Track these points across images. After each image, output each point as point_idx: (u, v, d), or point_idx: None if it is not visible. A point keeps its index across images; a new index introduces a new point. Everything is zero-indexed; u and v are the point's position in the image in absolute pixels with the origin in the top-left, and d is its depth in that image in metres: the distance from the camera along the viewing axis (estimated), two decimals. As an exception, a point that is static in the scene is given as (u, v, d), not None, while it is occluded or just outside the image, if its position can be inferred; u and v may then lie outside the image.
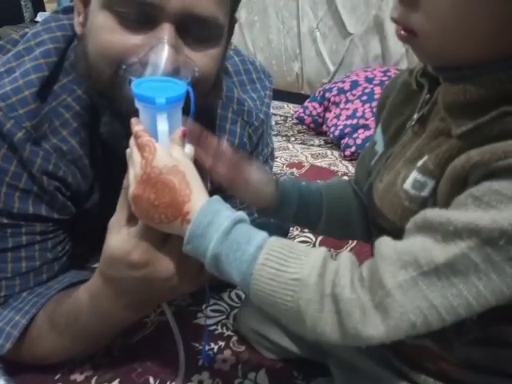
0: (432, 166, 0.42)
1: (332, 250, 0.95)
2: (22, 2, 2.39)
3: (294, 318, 0.41)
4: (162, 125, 0.49)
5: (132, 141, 0.50)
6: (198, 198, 0.45)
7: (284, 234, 0.88)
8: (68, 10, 0.67)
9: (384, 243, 0.40)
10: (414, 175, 0.43)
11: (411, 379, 0.52)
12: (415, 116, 0.47)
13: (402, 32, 0.41)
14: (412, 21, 0.40)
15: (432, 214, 0.39)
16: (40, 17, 2.32)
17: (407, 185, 0.44)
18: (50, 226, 0.66)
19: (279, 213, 0.59)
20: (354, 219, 0.62)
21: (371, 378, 0.56)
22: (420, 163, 0.43)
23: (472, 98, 0.40)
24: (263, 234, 0.44)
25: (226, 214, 0.44)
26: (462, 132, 0.40)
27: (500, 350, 0.46)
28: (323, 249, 0.43)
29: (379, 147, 0.54)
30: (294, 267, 0.41)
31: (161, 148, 0.47)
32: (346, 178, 0.69)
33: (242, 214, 0.45)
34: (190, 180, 0.46)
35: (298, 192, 0.59)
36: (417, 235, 0.39)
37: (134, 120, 0.51)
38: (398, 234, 0.41)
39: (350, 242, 1.01)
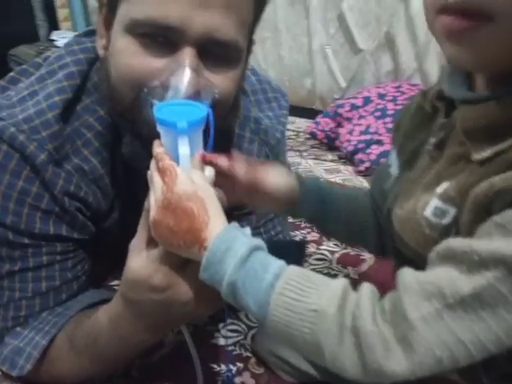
0: (453, 193, 0.41)
1: (350, 268, 0.94)
2: (38, 22, 2.44)
3: (312, 350, 0.40)
4: (184, 148, 0.49)
5: (153, 164, 0.50)
6: (215, 225, 0.45)
7: (301, 253, 0.87)
8: (90, 33, 0.68)
9: (406, 274, 0.39)
10: (435, 203, 0.42)
11: None
12: (432, 140, 0.46)
13: (463, 21, 0.34)
14: (493, 1, 0.33)
15: (455, 243, 0.37)
16: (56, 36, 2.36)
17: (428, 212, 0.43)
18: (70, 245, 0.67)
19: (297, 212, 0.59)
20: (369, 232, 0.61)
21: None
22: (440, 190, 0.42)
23: (494, 121, 0.39)
24: (281, 263, 0.43)
25: (243, 240, 0.44)
26: (483, 158, 0.39)
27: None
28: (343, 280, 0.41)
29: (394, 170, 0.53)
30: (312, 298, 0.40)
31: (182, 173, 0.47)
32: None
33: (259, 241, 0.45)
34: (208, 207, 0.46)
35: (319, 196, 0.59)
36: (440, 266, 0.38)
37: (156, 142, 0.51)
38: (420, 261, 0.40)
39: (368, 260, 1.01)
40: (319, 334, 0.39)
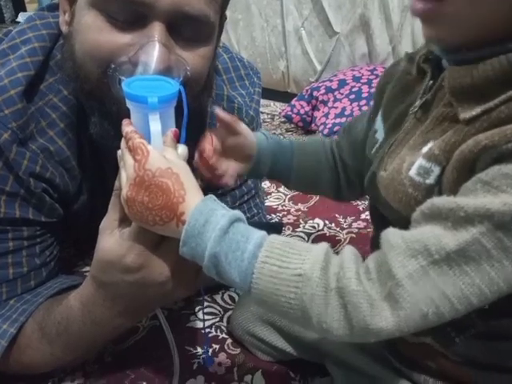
0: (438, 152, 0.41)
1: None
2: (2, 2, 2.34)
3: (298, 315, 0.40)
4: (155, 125, 0.48)
5: (123, 143, 0.48)
6: (192, 199, 0.44)
7: (278, 233, 0.87)
8: (53, 8, 0.65)
9: (392, 233, 0.39)
10: (420, 162, 0.42)
11: (411, 379, 0.52)
12: (418, 102, 0.46)
13: (422, 3, 0.38)
14: None
15: (440, 201, 0.38)
16: (22, 17, 2.27)
17: (412, 171, 0.42)
18: (37, 230, 0.64)
19: (255, 171, 0.60)
20: (322, 178, 0.64)
21: (370, 377, 0.56)
22: (425, 149, 0.42)
23: (480, 80, 0.39)
24: (262, 233, 0.43)
25: (222, 212, 0.43)
26: (471, 117, 0.39)
27: (500, 344, 0.45)
28: (324, 244, 0.42)
29: (380, 135, 0.53)
30: (295, 263, 0.40)
31: (154, 150, 0.46)
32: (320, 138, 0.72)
33: (238, 213, 0.44)
34: (184, 181, 0.45)
35: (272, 150, 0.60)
36: (425, 224, 0.38)
37: (125, 121, 0.50)
38: (402, 225, 0.40)
39: (343, 240, 1.01)
40: (305, 297, 0.39)
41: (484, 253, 0.35)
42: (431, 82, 0.45)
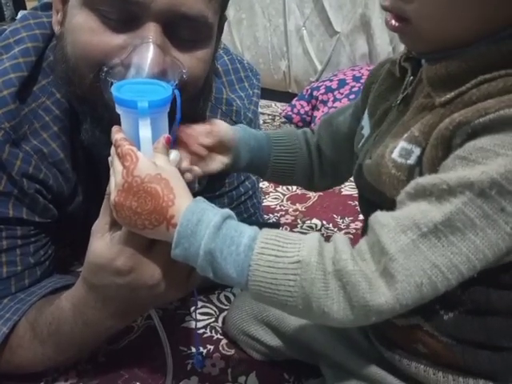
0: (417, 134, 0.44)
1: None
2: (3, 1, 2.34)
3: (298, 303, 0.41)
4: (145, 131, 0.46)
5: (113, 149, 0.48)
6: (182, 201, 0.44)
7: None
8: (47, 7, 0.65)
9: (380, 214, 0.41)
10: (401, 144, 0.45)
11: (402, 373, 0.52)
12: (400, 96, 0.50)
13: (393, 22, 0.44)
14: (406, 9, 0.43)
15: (423, 179, 0.40)
16: (21, 15, 2.27)
17: (395, 154, 0.45)
18: (31, 229, 0.64)
19: (235, 164, 0.61)
20: (297, 167, 0.66)
21: (362, 378, 0.56)
22: (406, 134, 0.45)
23: (453, 70, 0.43)
24: (254, 227, 0.44)
25: (213, 211, 0.44)
26: (446, 100, 0.43)
27: (488, 321, 0.46)
28: (316, 233, 0.43)
29: (366, 131, 0.55)
30: (292, 251, 0.41)
31: (143, 157, 0.46)
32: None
33: (229, 211, 0.45)
34: (173, 186, 0.45)
35: (249, 143, 0.61)
36: (411, 203, 0.40)
37: (114, 128, 0.49)
38: (388, 207, 0.42)
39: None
40: (304, 283, 0.40)
41: (468, 222, 0.37)
42: (411, 77, 0.49)
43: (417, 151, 0.43)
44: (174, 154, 0.50)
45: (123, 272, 0.49)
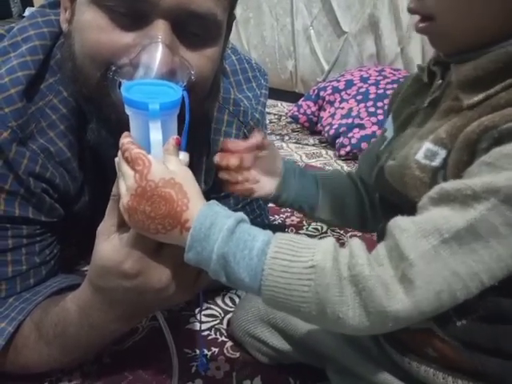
0: (444, 136, 0.43)
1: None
2: (11, -2, 2.35)
3: (312, 309, 0.40)
4: (156, 133, 0.46)
5: (120, 154, 0.47)
6: (196, 205, 0.44)
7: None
8: (55, 5, 0.64)
9: (400, 219, 0.41)
10: (427, 145, 0.44)
11: (411, 379, 0.51)
12: (428, 99, 0.50)
13: (421, 23, 0.45)
14: (428, 5, 0.44)
15: (448, 184, 0.40)
16: (28, 12, 2.28)
17: (419, 155, 0.45)
18: (37, 228, 0.64)
19: (279, 198, 0.61)
20: (348, 208, 0.64)
21: (369, 382, 0.55)
22: (432, 136, 0.45)
23: (482, 72, 0.43)
24: (267, 231, 0.43)
25: (227, 214, 0.44)
26: (473, 102, 0.42)
27: (500, 327, 0.46)
28: (331, 238, 0.43)
29: (389, 134, 0.55)
30: (306, 256, 0.40)
31: (155, 160, 0.45)
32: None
33: (242, 214, 0.44)
34: (187, 190, 0.45)
35: (298, 178, 0.61)
36: (433, 208, 0.40)
37: (125, 133, 0.48)
38: (408, 210, 0.41)
39: (347, 243, 1.00)
40: (319, 288, 0.39)
41: (492, 230, 0.37)
42: (440, 81, 0.49)
43: (442, 153, 0.43)
44: (183, 155, 0.50)
45: (130, 275, 0.49)
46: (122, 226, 0.49)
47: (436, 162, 0.43)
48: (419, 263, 0.37)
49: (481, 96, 0.42)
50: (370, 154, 0.65)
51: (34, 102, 0.60)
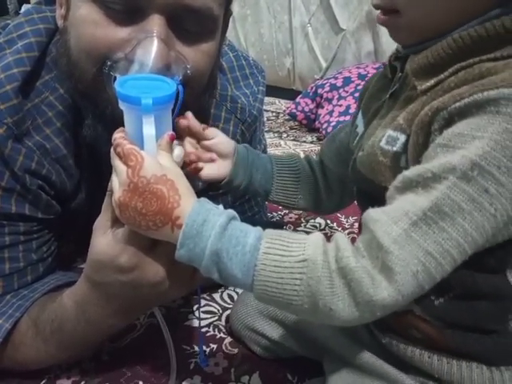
0: (402, 122, 0.46)
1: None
2: (7, -5, 2.34)
3: (304, 302, 0.41)
4: (149, 128, 0.45)
5: (112, 149, 0.48)
6: (187, 203, 0.44)
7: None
8: (51, 1, 0.64)
9: (372, 211, 0.42)
10: (388, 132, 0.47)
11: (400, 362, 0.52)
12: (390, 91, 0.52)
13: (382, 16, 0.47)
14: (395, 2, 0.45)
15: (408, 172, 0.42)
16: (24, 9, 2.27)
17: (382, 142, 0.47)
18: (34, 225, 0.64)
19: (232, 183, 0.62)
20: (302, 189, 0.67)
21: (362, 369, 0.55)
22: (393, 123, 0.47)
23: (433, 59, 0.45)
24: (258, 228, 0.44)
25: (218, 211, 0.44)
26: (426, 87, 0.45)
27: (477, 305, 0.47)
28: (319, 232, 0.44)
29: (360, 129, 0.57)
30: (297, 250, 0.41)
31: (148, 156, 0.45)
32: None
33: (233, 212, 0.45)
34: (178, 187, 0.45)
35: (252, 163, 0.63)
36: (400, 196, 0.42)
37: (119, 129, 0.49)
38: (379, 196, 0.44)
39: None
40: (311, 281, 0.40)
41: (455, 206, 0.38)
42: (400, 74, 0.51)
43: (402, 138, 0.45)
44: (178, 149, 0.50)
45: (126, 269, 0.49)
46: (118, 221, 0.49)
47: (396, 147, 0.46)
48: (394, 249, 0.39)
49: (432, 81, 0.44)
50: (334, 140, 0.68)
51: (30, 98, 0.60)
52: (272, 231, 0.43)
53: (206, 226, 0.43)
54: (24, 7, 2.31)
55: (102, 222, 0.50)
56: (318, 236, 0.43)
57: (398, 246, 0.39)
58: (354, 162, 0.54)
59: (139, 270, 0.49)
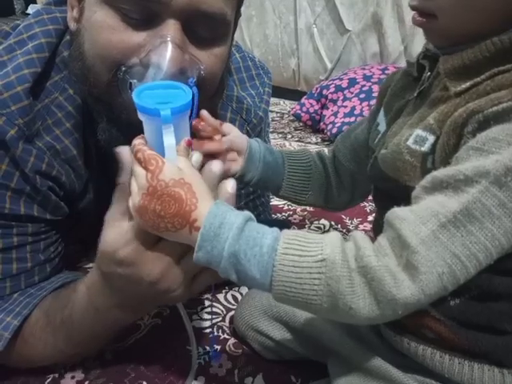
0: (432, 122, 0.45)
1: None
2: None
3: (323, 301, 0.41)
4: (169, 138, 0.46)
5: (132, 155, 0.48)
6: (204, 205, 0.45)
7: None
8: (60, 2, 0.65)
9: (398, 209, 0.42)
10: (417, 132, 0.47)
11: (409, 363, 0.52)
12: (417, 90, 0.51)
13: (419, 18, 0.47)
14: (432, 4, 0.45)
15: (439, 172, 0.41)
16: (31, 9, 2.28)
17: (410, 141, 0.47)
18: (42, 226, 0.64)
19: (244, 177, 0.63)
20: (313, 185, 0.67)
21: (367, 372, 0.55)
22: (422, 123, 0.47)
23: (469, 61, 0.45)
24: (274, 228, 0.44)
25: (235, 213, 0.44)
26: (461, 89, 0.45)
27: (492, 305, 0.47)
28: (336, 232, 0.44)
29: (382, 127, 0.57)
30: (315, 250, 0.41)
31: (167, 161, 0.46)
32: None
33: (249, 213, 0.45)
34: (196, 190, 0.45)
35: (264, 157, 0.63)
36: (428, 196, 0.41)
37: (139, 136, 0.49)
38: (403, 199, 0.43)
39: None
40: (330, 281, 0.40)
41: (485, 211, 0.38)
42: (429, 73, 0.50)
43: (431, 139, 0.45)
44: (197, 155, 0.50)
45: (124, 263, 0.49)
46: (126, 214, 0.49)
47: (425, 147, 0.45)
48: (421, 249, 0.39)
49: (468, 84, 0.44)
50: (349, 136, 0.68)
51: (40, 99, 0.61)
52: (289, 231, 0.44)
53: (223, 228, 0.43)
54: (31, 7, 2.32)
55: (111, 214, 0.51)
56: (335, 235, 0.43)
57: (425, 247, 0.39)
58: (374, 159, 0.54)
59: (135, 267, 0.49)
